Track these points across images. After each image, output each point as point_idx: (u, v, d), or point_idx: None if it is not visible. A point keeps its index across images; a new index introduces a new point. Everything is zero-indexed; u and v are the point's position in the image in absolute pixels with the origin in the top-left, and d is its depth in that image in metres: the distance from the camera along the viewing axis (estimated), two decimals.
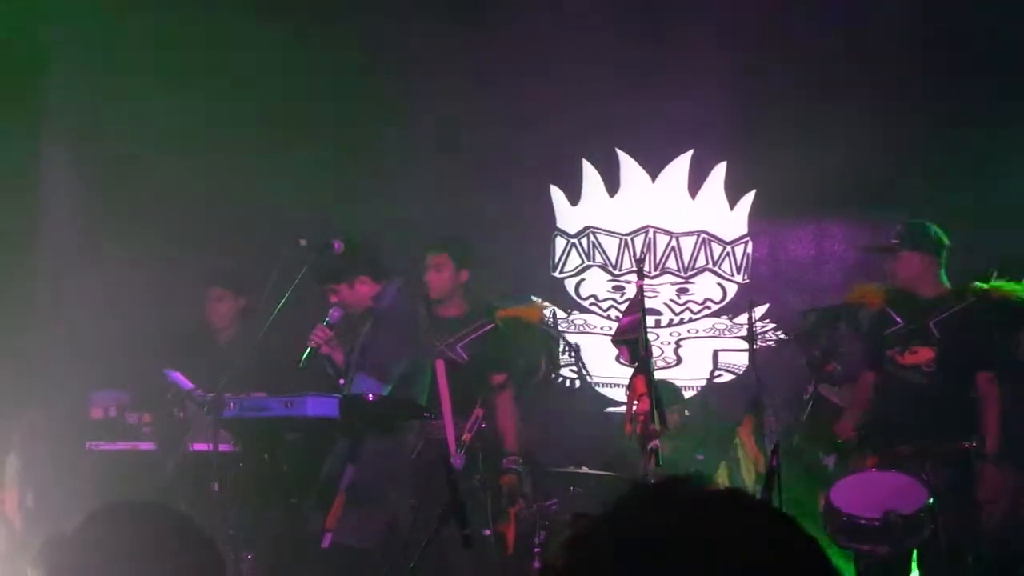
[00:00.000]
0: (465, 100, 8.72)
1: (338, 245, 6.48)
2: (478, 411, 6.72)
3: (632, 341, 5.99)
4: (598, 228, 9.21)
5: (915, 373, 6.92)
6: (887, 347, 7.01)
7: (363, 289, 6.52)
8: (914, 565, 6.37)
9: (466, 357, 7.06)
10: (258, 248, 7.32)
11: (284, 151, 8.33)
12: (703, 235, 9.13)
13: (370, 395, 6.16)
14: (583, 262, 9.21)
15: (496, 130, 8.78)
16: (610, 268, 9.18)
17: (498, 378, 7.11)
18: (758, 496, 5.76)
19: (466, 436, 6.65)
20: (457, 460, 6.53)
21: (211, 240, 8.37)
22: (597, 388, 9.07)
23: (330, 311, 6.46)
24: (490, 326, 7.19)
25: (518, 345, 7.26)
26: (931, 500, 6.25)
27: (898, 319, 7.02)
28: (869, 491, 6.30)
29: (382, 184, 8.74)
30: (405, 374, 6.38)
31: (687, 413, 8.27)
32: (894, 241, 7.06)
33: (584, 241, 9.22)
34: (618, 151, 9.19)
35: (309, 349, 6.26)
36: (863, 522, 6.18)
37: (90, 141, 8.28)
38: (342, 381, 6.51)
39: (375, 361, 6.36)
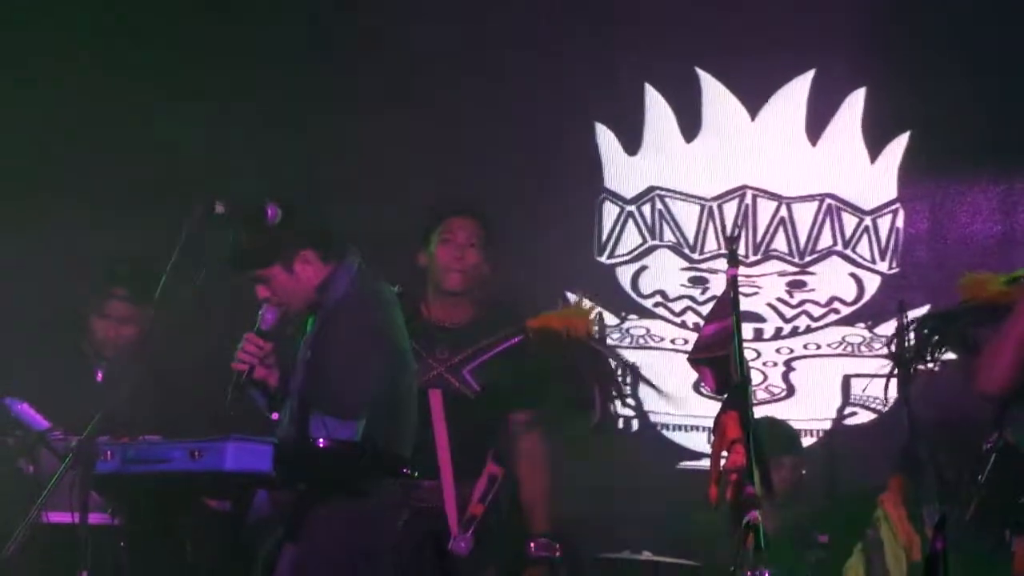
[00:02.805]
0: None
1: (272, 211, 5.51)
2: (493, 469, 6.11)
3: (720, 360, 5.12)
4: (668, 190, 8.34)
5: None
6: None
7: (307, 272, 5.63)
8: None
9: (478, 387, 6.23)
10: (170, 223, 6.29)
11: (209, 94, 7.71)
12: (829, 200, 8.23)
13: (321, 440, 5.28)
14: (645, 241, 8.36)
15: (514, 40, 7.92)
16: (686, 250, 8.33)
17: (524, 418, 6.30)
18: None
19: (475, 508, 6.06)
20: (461, 543, 5.97)
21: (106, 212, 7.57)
22: (665, 432, 8.22)
23: (261, 313, 5.60)
24: (515, 340, 6.35)
25: (556, 369, 6.40)
26: None
27: None
28: None
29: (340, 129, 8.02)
30: (374, 405, 5.42)
31: (804, 472, 7.35)
32: None
33: (647, 209, 8.38)
34: (699, 71, 8.20)
35: (236, 376, 5.50)
36: None
37: None
38: (275, 415, 5.60)
39: (331, 386, 5.42)
